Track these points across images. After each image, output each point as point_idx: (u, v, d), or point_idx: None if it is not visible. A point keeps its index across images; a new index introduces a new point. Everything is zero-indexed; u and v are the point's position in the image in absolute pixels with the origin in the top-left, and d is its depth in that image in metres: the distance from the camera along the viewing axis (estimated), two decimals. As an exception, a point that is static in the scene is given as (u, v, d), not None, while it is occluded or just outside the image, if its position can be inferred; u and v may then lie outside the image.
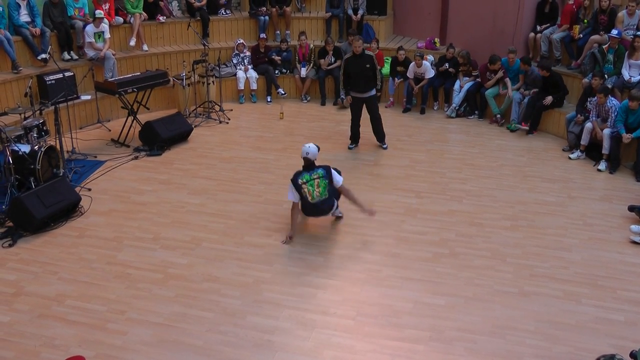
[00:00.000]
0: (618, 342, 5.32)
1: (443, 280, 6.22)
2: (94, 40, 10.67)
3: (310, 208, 6.93)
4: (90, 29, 10.63)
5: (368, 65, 9.14)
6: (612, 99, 9.05)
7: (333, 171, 6.98)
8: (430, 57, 11.72)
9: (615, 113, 8.85)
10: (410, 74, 11.29)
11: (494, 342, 5.33)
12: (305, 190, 6.82)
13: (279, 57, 12.12)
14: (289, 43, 12.38)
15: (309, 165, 6.90)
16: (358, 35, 9.51)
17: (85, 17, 11.01)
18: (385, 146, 9.68)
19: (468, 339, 5.37)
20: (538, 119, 10.31)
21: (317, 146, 7.01)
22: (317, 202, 6.86)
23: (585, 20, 10.58)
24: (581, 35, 10.51)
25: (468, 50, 11.32)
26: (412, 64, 11.23)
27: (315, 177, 6.85)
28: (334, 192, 7.00)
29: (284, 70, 12.21)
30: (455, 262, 6.55)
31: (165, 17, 12.14)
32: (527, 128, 10.24)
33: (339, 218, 7.36)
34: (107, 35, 10.82)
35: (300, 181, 6.83)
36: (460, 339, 5.37)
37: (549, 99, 10.04)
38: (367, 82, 9.22)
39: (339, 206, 7.18)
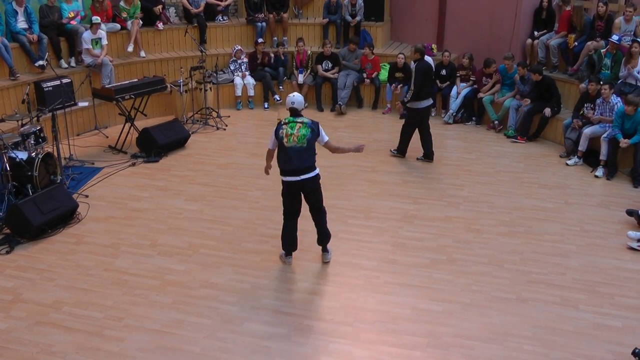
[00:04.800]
0: (616, 348, 5.32)
1: (440, 287, 6.22)
2: (91, 46, 10.68)
3: (284, 155, 6.18)
4: (87, 35, 10.64)
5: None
6: (616, 96, 9.06)
7: (321, 128, 6.34)
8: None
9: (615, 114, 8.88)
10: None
11: (491, 348, 5.33)
12: (284, 131, 6.15)
13: (282, 52, 12.12)
14: (285, 48, 12.40)
15: (295, 113, 6.31)
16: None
17: (83, 17, 11.00)
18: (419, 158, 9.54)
19: (465, 345, 5.36)
20: (542, 129, 10.22)
21: (302, 97, 6.50)
22: (292, 149, 6.10)
23: (578, 28, 10.61)
24: (576, 44, 10.54)
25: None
26: None
27: (299, 121, 6.20)
28: (312, 153, 6.25)
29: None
30: (453, 268, 6.55)
31: (162, 24, 12.15)
32: (523, 142, 10.20)
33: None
34: (105, 41, 10.82)
35: (283, 122, 6.26)
36: (457, 345, 5.36)
37: (547, 111, 10.01)
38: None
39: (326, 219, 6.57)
